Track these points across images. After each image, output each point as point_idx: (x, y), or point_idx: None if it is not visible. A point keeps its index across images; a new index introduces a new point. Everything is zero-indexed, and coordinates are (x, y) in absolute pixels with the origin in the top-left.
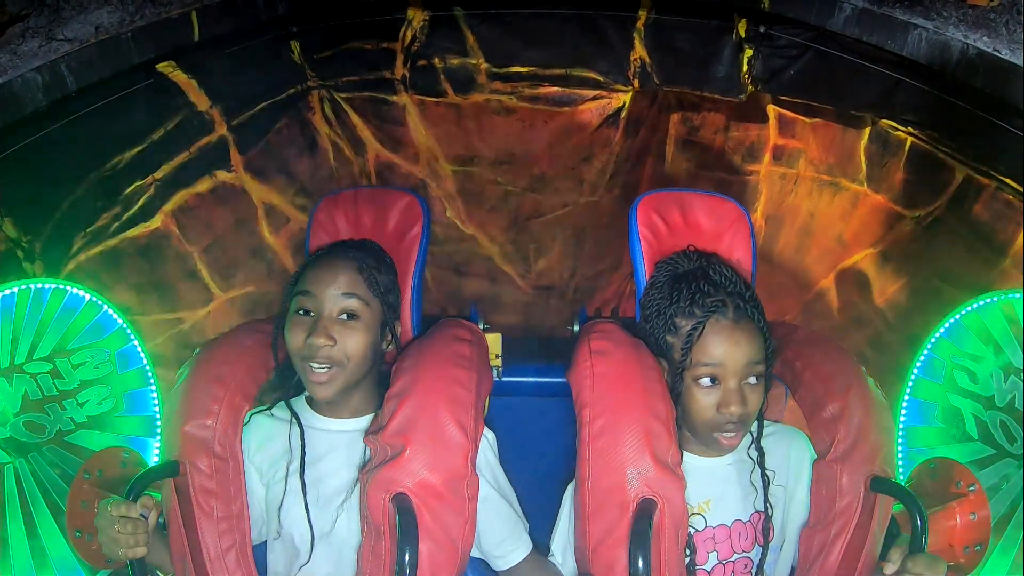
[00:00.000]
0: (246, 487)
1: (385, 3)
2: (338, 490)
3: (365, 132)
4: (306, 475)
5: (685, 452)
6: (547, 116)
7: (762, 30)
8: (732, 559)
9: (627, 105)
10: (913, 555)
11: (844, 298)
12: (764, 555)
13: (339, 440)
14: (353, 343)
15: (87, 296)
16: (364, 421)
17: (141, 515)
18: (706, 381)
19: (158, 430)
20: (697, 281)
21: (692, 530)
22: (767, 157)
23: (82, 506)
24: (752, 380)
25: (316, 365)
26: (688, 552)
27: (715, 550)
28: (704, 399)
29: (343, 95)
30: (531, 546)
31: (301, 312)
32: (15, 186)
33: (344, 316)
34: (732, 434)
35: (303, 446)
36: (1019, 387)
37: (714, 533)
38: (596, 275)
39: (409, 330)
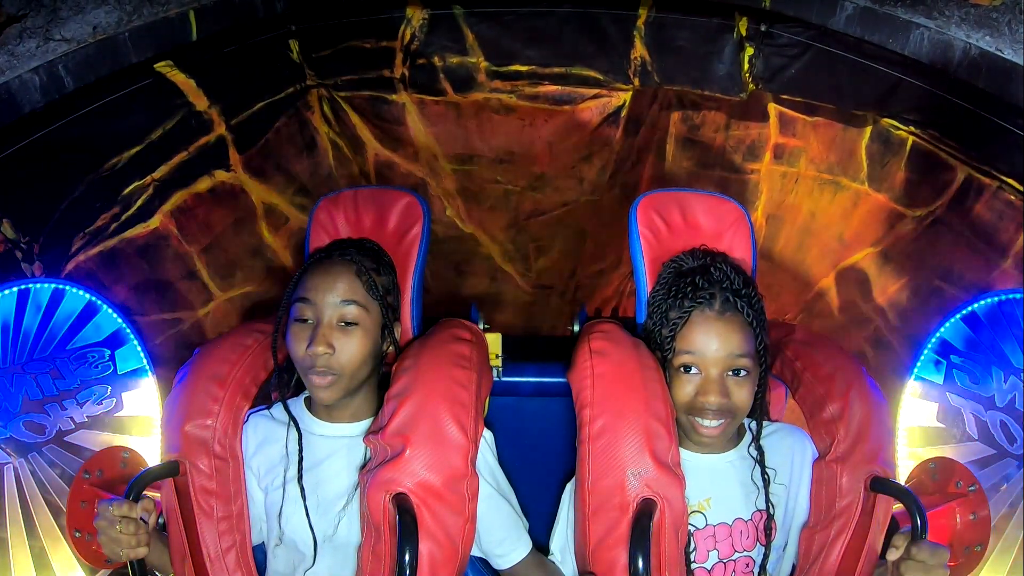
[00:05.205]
0: (246, 487)
1: (384, 1)
2: (339, 494)
3: (364, 131)
4: (305, 480)
5: (685, 450)
6: (547, 115)
7: (763, 28)
8: (733, 558)
9: (627, 104)
10: (917, 542)
11: (844, 297)
12: (767, 555)
13: (338, 445)
14: (352, 350)
15: (87, 296)
16: (364, 425)
17: (141, 518)
18: (685, 369)
19: (158, 430)
20: (694, 276)
21: (692, 528)
22: (768, 156)
23: (82, 506)
24: (736, 373)
25: (317, 374)
26: (687, 550)
27: (715, 548)
28: (684, 386)
29: (342, 94)
30: (531, 545)
31: (301, 320)
32: (14, 187)
33: (343, 323)
34: (710, 421)
35: (300, 452)
36: (1019, 387)
37: (715, 531)
38: (596, 274)
39: (409, 330)
